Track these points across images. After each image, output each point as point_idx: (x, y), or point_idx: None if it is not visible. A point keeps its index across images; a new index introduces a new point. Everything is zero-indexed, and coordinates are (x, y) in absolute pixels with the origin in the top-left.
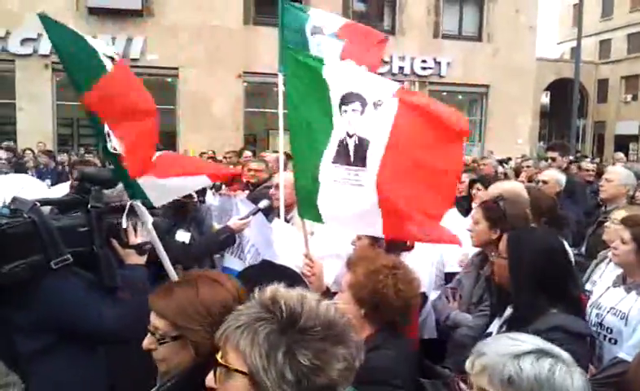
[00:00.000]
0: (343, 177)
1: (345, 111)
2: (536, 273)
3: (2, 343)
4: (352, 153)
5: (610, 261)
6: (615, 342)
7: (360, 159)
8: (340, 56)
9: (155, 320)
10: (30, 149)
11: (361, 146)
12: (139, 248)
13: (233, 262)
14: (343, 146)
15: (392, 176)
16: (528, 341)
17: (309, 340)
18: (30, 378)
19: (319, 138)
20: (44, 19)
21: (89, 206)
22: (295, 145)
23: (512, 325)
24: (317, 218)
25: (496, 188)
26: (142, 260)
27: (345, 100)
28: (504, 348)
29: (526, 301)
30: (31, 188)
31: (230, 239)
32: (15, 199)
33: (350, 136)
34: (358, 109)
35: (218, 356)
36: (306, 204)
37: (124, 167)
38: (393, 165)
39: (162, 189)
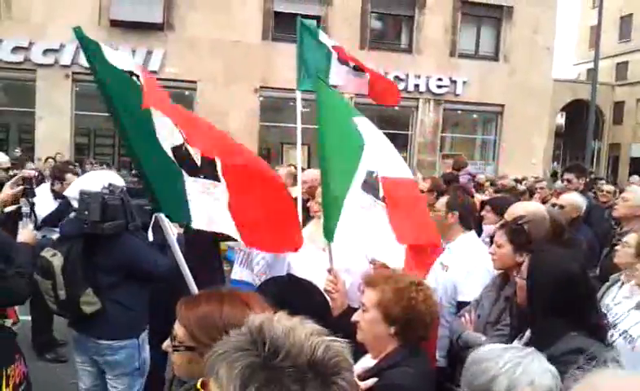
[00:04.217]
0: (369, 204)
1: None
2: (553, 297)
3: (90, 277)
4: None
5: (622, 284)
6: None
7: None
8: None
9: (176, 326)
10: (52, 157)
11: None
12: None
13: (242, 273)
14: (370, 178)
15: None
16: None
17: (283, 380)
18: (106, 302)
19: (348, 164)
20: (78, 32)
21: None
22: (325, 166)
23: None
24: (329, 237)
25: (516, 209)
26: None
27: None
28: None
29: (542, 325)
30: (117, 180)
31: None
32: (110, 184)
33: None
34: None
35: (198, 383)
36: (328, 222)
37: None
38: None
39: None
